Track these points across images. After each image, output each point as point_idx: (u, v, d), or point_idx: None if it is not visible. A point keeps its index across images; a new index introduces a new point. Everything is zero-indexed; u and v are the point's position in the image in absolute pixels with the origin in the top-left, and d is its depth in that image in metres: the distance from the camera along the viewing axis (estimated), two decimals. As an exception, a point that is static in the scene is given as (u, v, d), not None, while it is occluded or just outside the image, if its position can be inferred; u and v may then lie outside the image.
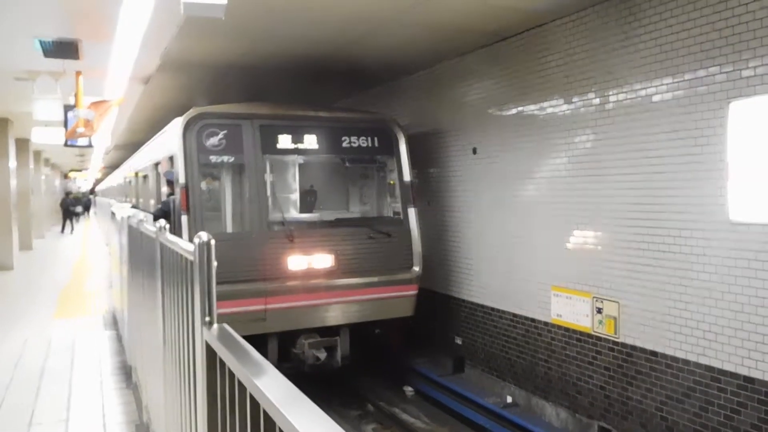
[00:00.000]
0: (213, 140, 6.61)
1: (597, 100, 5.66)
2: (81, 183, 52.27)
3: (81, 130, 7.98)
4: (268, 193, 6.95)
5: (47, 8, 5.47)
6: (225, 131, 6.67)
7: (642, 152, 5.21)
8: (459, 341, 7.92)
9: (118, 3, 5.19)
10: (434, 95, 8.30)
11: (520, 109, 6.69)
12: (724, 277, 4.56)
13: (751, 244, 4.35)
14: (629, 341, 5.38)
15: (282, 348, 6.81)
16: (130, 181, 15.21)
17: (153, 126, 12.69)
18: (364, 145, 7.44)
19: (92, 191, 56.02)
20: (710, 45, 4.59)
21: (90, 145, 11.21)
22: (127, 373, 5.76)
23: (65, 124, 8.97)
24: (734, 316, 4.50)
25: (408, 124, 8.74)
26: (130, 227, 4.94)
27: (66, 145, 10.43)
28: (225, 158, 6.71)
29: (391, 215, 7.69)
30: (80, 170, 39.40)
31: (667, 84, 4.95)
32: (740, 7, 4.38)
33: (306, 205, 7.84)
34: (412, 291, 7.27)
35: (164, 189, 7.57)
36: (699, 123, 4.70)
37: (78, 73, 7.86)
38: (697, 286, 4.77)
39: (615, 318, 5.52)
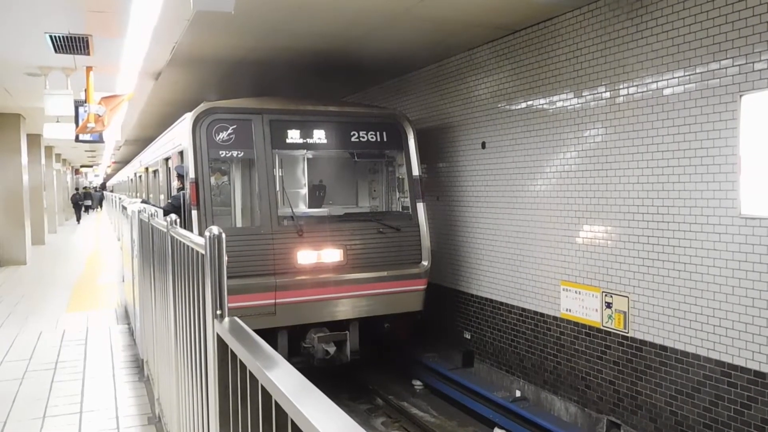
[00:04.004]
0: (223, 135, 6.64)
1: (607, 94, 5.62)
2: (92, 178, 52.72)
3: (92, 125, 8.04)
4: (278, 187, 6.97)
5: (58, 4, 5.50)
6: (235, 126, 6.69)
7: (653, 146, 5.18)
8: (468, 336, 7.93)
9: (129, -2, 5.22)
10: (443, 90, 8.28)
11: (529, 103, 6.66)
12: (734, 272, 4.53)
13: (763, 238, 4.32)
14: (639, 336, 5.37)
15: (291, 342, 6.84)
16: (140, 177, 15.31)
17: (163, 121, 12.76)
18: (373, 139, 7.44)
19: (103, 186, 56.48)
20: (723, 37, 4.55)
21: (101, 141, 11.30)
22: (139, 366, 5.82)
23: (76, 120, 9.05)
24: (745, 310, 4.47)
25: (417, 118, 8.73)
26: (141, 222, 4.98)
27: (77, 140, 10.53)
28: (235, 153, 6.74)
29: (400, 210, 7.69)
30: (91, 165, 39.72)
31: (678, 77, 4.91)
32: (753, -1, 4.33)
33: (315, 200, 7.87)
34: (421, 285, 7.28)
35: (174, 184, 7.62)
36: (711, 116, 4.67)
37: (89, 69, 7.91)
38: (708, 281, 4.74)
39: (624, 312, 5.50)
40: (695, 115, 4.79)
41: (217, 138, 6.62)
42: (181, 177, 7.17)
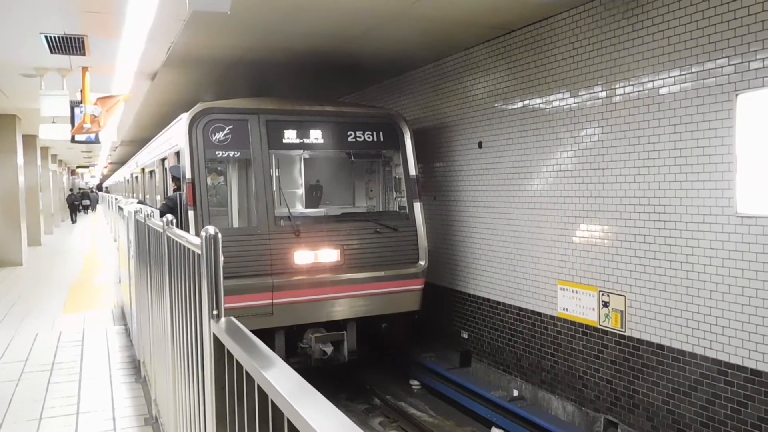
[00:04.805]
0: (219, 135, 6.63)
1: (603, 93, 5.63)
2: (88, 179, 52.63)
3: (87, 126, 8.03)
4: (275, 188, 6.96)
5: (53, 4, 5.48)
6: (231, 126, 6.68)
7: (649, 145, 5.19)
8: (465, 335, 7.93)
9: (124, -1, 5.21)
10: (440, 89, 8.28)
11: (525, 102, 6.67)
12: (731, 271, 4.54)
13: (759, 237, 4.33)
14: (636, 335, 5.38)
15: (288, 342, 6.84)
16: (137, 177, 15.28)
17: (159, 122, 12.74)
18: (370, 139, 7.44)
19: (99, 187, 56.48)
20: (718, 36, 4.56)
21: (97, 141, 11.27)
22: (136, 367, 5.81)
23: (72, 121, 9.02)
24: (741, 309, 4.48)
25: (413, 118, 8.73)
26: (137, 222, 4.97)
27: (73, 141, 10.50)
28: (231, 153, 6.73)
29: (397, 210, 7.69)
30: (87, 166, 39.66)
31: (674, 76, 4.92)
32: (748, -1, 4.34)
33: (312, 200, 7.86)
34: (418, 285, 7.28)
35: (172, 184, 7.60)
36: (707, 115, 4.68)
37: (84, 69, 7.89)
38: (704, 280, 4.75)
39: (621, 312, 5.51)
40: (691, 114, 4.80)
41: (214, 138, 6.61)
42: (175, 179, 7.16)
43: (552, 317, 6.38)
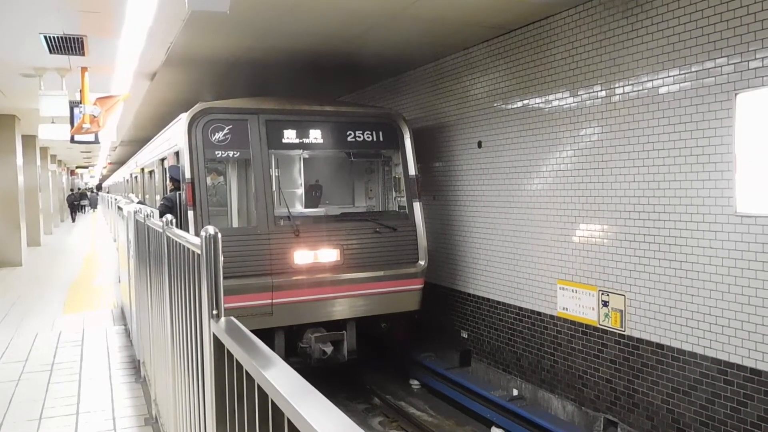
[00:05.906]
0: (219, 135, 6.63)
1: (603, 93, 5.64)
2: (88, 179, 52.66)
3: (87, 126, 8.02)
4: (274, 187, 6.96)
5: (52, 4, 5.48)
6: (231, 126, 6.68)
7: (648, 144, 5.19)
8: (465, 335, 7.93)
9: (124, -1, 5.21)
10: (439, 89, 8.28)
11: (525, 102, 6.67)
12: (730, 270, 4.55)
13: (759, 236, 4.34)
14: (635, 334, 5.38)
15: (288, 342, 6.84)
16: (136, 177, 15.27)
17: (159, 122, 12.73)
18: (370, 139, 7.44)
19: (99, 187, 56.57)
20: (718, 36, 4.56)
21: (96, 141, 11.27)
22: (135, 367, 5.80)
23: (71, 121, 9.02)
24: (741, 308, 4.48)
25: (413, 118, 8.73)
26: (137, 222, 4.97)
27: (72, 141, 10.50)
28: (231, 153, 6.73)
29: (397, 209, 7.69)
30: (87, 167, 39.67)
31: (673, 75, 4.93)
32: (748, -2, 4.34)
33: (311, 200, 7.86)
34: (417, 285, 7.28)
35: (169, 184, 7.60)
36: (706, 115, 4.68)
37: (84, 69, 7.89)
38: (704, 279, 4.75)
39: (621, 311, 5.51)
40: (691, 113, 4.80)
41: (213, 138, 6.61)
42: (173, 179, 7.16)
43: (552, 317, 6.38)
